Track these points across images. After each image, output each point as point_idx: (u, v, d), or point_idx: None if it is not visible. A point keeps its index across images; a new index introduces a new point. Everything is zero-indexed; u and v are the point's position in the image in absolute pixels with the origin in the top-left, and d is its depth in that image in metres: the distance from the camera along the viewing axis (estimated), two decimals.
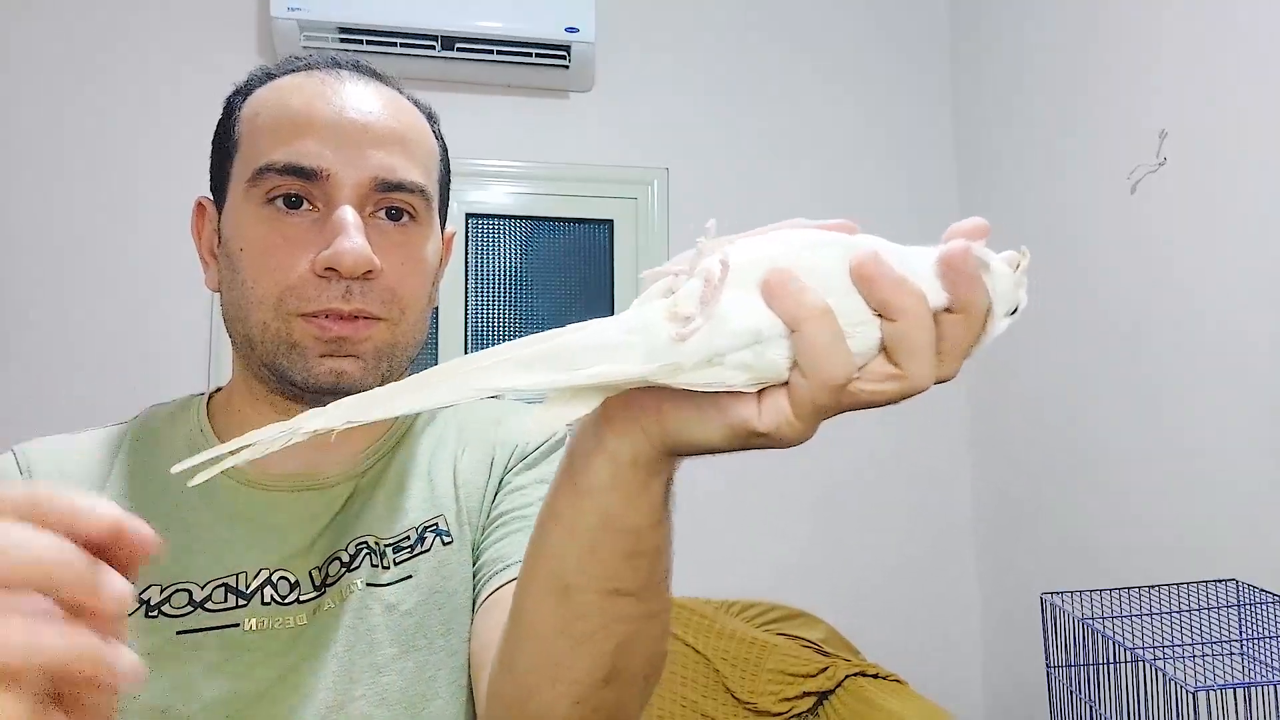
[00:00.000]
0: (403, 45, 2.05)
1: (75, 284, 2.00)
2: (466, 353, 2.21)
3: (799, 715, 1.89)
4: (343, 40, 2.02)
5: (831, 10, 2.44)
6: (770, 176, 2.34)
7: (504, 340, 0.43)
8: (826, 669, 1.90)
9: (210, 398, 0.70)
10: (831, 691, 1.89)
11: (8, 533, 0.28)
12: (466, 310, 2.23)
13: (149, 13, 2.08)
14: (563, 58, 2.12)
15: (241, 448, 0.36)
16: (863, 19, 2.45)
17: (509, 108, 2.25)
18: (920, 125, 2.45)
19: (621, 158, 2.30)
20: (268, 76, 0.66)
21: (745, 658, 1.93)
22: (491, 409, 0.76)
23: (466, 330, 2.22)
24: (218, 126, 0.67)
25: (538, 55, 2.11)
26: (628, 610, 0.45)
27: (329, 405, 0.37)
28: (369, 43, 2.03)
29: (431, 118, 0.70)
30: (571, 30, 2.07)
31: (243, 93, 0.66)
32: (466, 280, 2.23)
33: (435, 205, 0.68)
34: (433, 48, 2.07)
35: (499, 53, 2.09)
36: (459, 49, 2.08)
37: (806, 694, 1.89)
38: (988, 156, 2.31)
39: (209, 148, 0.67)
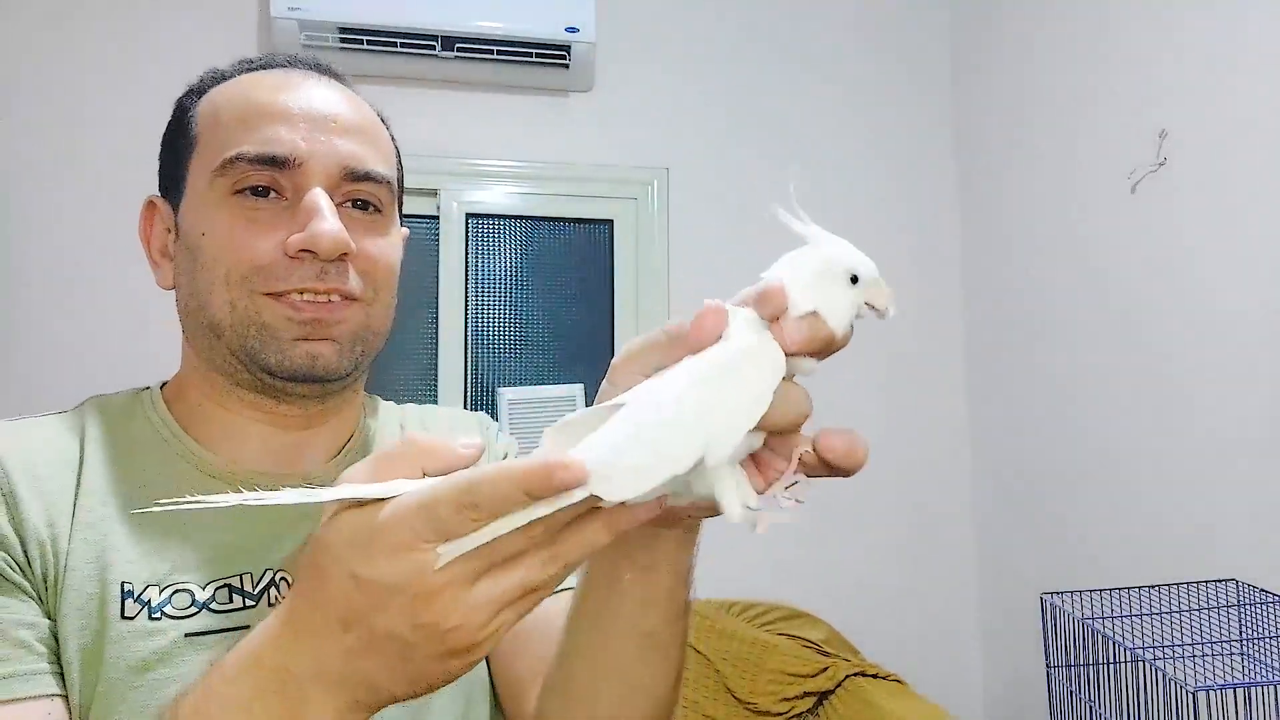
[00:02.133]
0: (403, 45, 2.05)
1: (74, 283, 2.00)
2: (466, 352, 2.22)
3: (799, 715, 1.89)
4: (343, 40, 2.02)
5: (831, 10, 2.43)
6: (770, 177, 2.34)
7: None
8: (826, 669, 1.90)
9: (162, 390, 0.67)
10: (831, 691, 1.89)
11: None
12: (466, 310, 2.22)
13: (148, 12, 2.08)
14: (563, 58, 2.12)
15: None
16: (863, 19, 2.45)
17: (509, 108, 2.25)
18: (920, 125, 2.45)
19: (621, 158, 2.30)
20: (222, 76, 0.65)
21: (746, 658, 1.93)
22: (442, 420, 0.77)
23: (466, 330, 2.22)
24: (168, 127, 0.66)
25: (538, 55, 2.11)
26: (686, 623, 0.55)
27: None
28: (369, 43, 2.03)
29: (385, 120, 0.70)
30: (571, 30, 2.07)
31: (196, 92, 0.65)
32: (466, 280, 2.23)
33: (396, 201, 0.68)
34: (433, 48, 2.07)
35: (499, 53, 2.09)
36: (459, 49, 2.08)
37: (807, 694, 1.89)
38: (988, 156, 2.31)
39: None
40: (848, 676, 1.89)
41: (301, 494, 0.39)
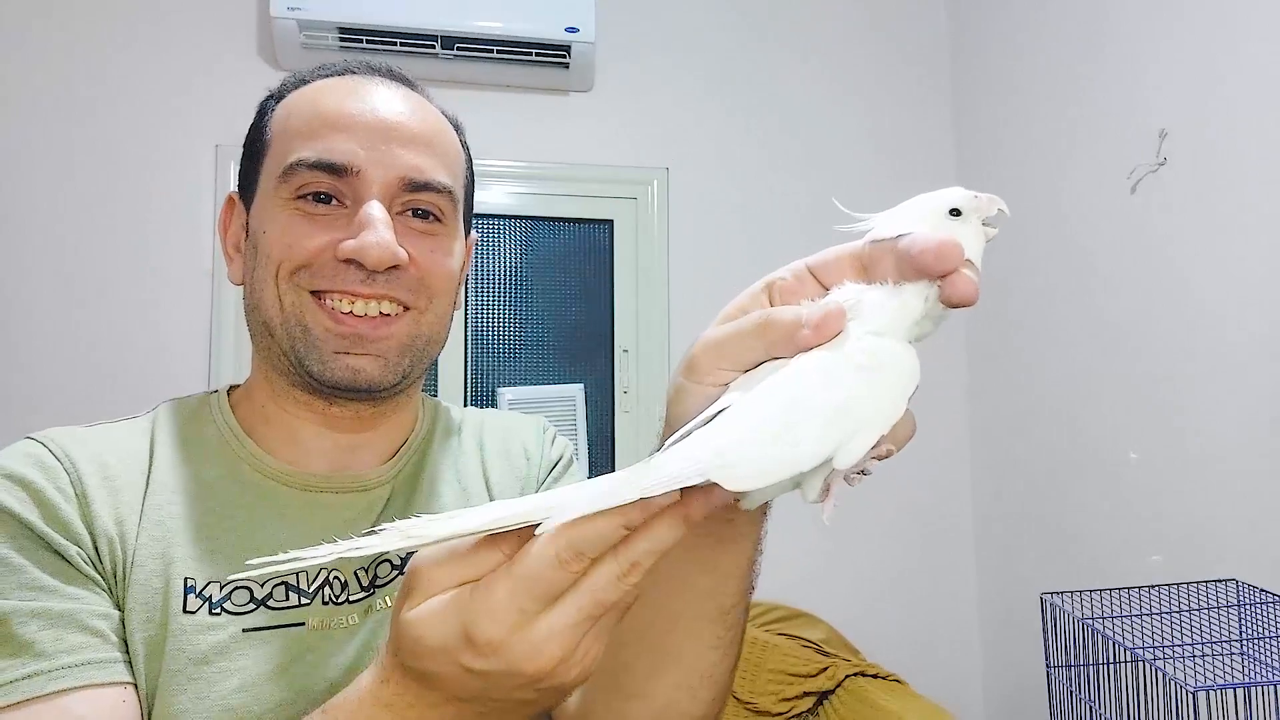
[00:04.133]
0: (403, 45, 2.05)
1: (76, 283, 2.00)
2: (466, 352, 2.22)
3: (799, 715, 1.89)
4: (342, 40, 2.02)
5: (831, 10, 2.43)
6: (769, 177, 2.34)
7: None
8: (826, 669, 1.90)
9: (229, 394, 0.70)
10: (831, 691, 1.89)
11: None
12: (466, 310, 2.23)
13: (149, 12, 2.08)
14: (563, 58, 2.12)
15: (292, 559, 0.39)
16: (862, 19, 2.45)
17: (509, 108, 2.25)
18: (920, 125, 2.45)
19: (621, 158, 2.30)
20: (302, 82, 0.66)
21: (746, 658, 1.93)
22: (499, 422, 0.79)
23: (466, 330, 2.22)
24: (250, 130, 0.68)
25: (538, 55, 2.11)
26: (750, 600, 0.53)
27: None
28: (369, 43, 2.03)
29: (457, 127, 0.71)
30: (571, 30, 2.07)
31: (276, 97, 0.67)
32: (467, 280, 2.23)
33: (460, 209, 0.68)
34: (433, 48, 2.07)
35: (499, 53, 2.09)
36: (459, 49, 2.08)
37: (807, 694, 1.89)
38: (988, 156, 2.31)
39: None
40: (848, 676, 1.89)
41: (385, 540, 0.39)
